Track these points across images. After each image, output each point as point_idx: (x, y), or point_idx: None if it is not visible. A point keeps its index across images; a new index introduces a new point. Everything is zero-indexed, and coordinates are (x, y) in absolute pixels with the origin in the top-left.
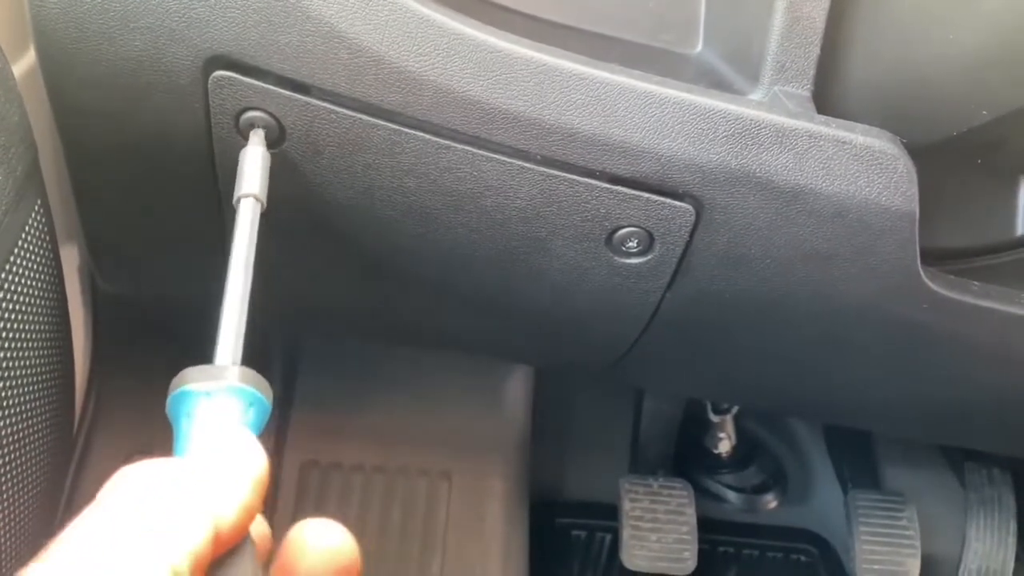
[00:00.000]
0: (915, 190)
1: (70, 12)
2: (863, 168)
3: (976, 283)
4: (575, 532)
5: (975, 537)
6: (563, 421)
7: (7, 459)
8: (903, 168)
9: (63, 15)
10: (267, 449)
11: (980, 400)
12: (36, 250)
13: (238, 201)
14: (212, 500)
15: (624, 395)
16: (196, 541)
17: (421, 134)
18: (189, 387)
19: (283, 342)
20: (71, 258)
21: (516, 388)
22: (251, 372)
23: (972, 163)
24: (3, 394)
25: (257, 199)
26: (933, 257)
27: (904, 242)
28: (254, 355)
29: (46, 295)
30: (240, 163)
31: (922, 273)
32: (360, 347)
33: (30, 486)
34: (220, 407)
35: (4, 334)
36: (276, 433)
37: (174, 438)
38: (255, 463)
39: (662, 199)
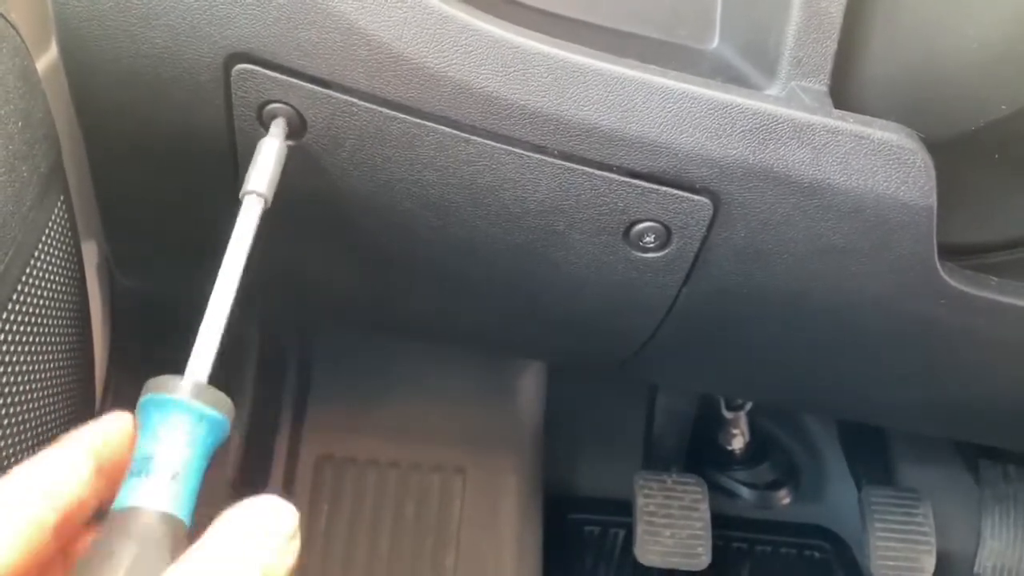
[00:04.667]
0: (933, 185)
1: (92, 9)
2: (881, 163)
3: (994, 278)
4: (588, 528)
5: (990, 534)
6: (576, 417)
7: (30, 454)
8: (921, 163)
9: (85, 12)
10: (283, 443)
11: (997, 396)
12: (59, 246)
13: (243, 196)
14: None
15: (637, 391)
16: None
17: (440, 128)
18: (148, 397)
19: (298, 338)
20: (90, 254)
21: (529, 384)
22: (211, 390)
23: (990, 158)
24: (27, 388)
25: (262, 196)
26: (951, 252)
27: (922, 237)
28: (269, 351)
29: (69, 291)
30: (255, 155)
31: (940, 268)
32: (374, 343)
33: None
34: (176, 423)
35: (29, 329)
36: (292, 427)
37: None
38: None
39: (680, 193)
